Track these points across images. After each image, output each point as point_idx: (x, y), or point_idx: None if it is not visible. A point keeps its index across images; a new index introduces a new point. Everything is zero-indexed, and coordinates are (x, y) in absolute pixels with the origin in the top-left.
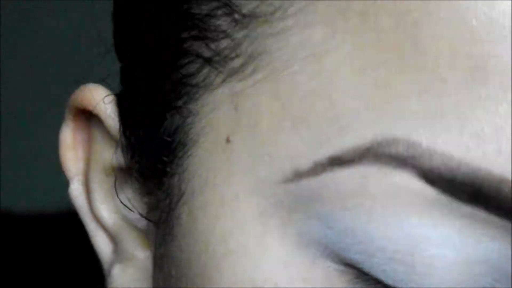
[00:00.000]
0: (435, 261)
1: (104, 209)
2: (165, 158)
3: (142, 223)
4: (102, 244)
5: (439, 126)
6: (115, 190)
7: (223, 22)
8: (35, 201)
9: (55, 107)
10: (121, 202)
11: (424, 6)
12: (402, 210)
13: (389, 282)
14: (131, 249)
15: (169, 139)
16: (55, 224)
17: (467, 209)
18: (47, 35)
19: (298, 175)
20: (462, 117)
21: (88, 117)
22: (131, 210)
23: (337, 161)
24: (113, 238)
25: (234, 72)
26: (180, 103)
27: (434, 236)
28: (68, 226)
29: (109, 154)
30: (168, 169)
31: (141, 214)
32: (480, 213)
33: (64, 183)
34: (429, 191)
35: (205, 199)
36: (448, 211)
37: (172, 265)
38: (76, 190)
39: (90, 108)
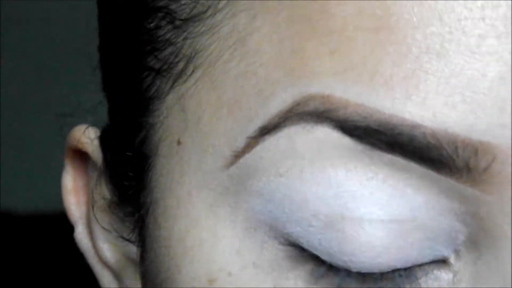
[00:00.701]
0: (364, 222)
1: (106, 249)
2: (130, 174)
3: (135, 254)
4: (108, 283)
5: (350, 80)
6: (94, 216)
7: (167, 31)
8: (35, 201)
9: (55, 107)
10: (102, 226)
11: None
12: (329, 164)
13: (325, 257)
14: (131, 284)
15: (134, 155)
16: (55, 224)
17: (387, 157)
18: (49, 36)
19: (236, 156)
20: (372, 70)
21: (84, 159)
22: (122, 237)
23: (265, 130)
24: (117, 276)
25: (179, 76)
26: (142, 118)
27: (361, 191)
28: (68, 226)
29: (99, 194)
30: (135, 184)
31: (122, 236)
32: (400, 161)
33: None
34: (349, 142)
35: (165, 204)
36: (369, 160)
37: (148, 280)
38: (80, 234)
39: (80, 146)
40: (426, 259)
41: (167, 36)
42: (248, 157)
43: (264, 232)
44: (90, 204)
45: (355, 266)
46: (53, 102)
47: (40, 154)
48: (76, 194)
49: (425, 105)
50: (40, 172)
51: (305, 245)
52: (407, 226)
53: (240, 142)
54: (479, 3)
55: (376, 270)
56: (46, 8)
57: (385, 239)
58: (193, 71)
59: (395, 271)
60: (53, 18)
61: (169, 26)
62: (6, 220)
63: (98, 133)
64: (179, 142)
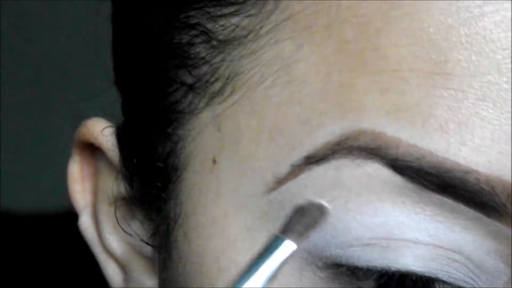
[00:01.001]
0: (409, 243)
1: (113, 240)
2: (158, 184)
3: (149, 251)
4: (113, 274)
5: (403, 120)
6: (116, 219)
7: (202, 49)
8: (35, 201)
9: (55, 107)
10: (122, 229)
11: (385, 16)
12: (376, 198)
13: (362, 264)
14: (139, 277)
15: (161, 165)
16: (55, 224)
17: (436, 197)
18: (50, 36)
19: (279, 182)
20: (426, 113)
21: (93, 150)
22: (132, 236)
23: (312, 159)
24: (123, 268)
25: (215, 95)
26: (170, 129)
27: (408, 222)
28: (68, 226)
29: (114, 186)
30: (163, 195)
31: (142, 240)
32: (450, 202)
33: (64, 183)
34: (399, 180)
35: (198, 220)
36: (418, 199)
37: (172, 285)
38: (85, 222)
39: (93, 141)
40: None
41: (202, 54)
42: (291, 185)
43: (302, 258)
44: (105, 195)
45: (394, 266)
46: (53, 102)
47: (40, 154)
48: (82, 182)
49: (480, 151)
50: (40, 172)
51: (344, 262)
52: (453, 256)
53: (284, 169)
54: None
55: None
56: (51, 6)
57: (428, 257)
58: (231, 92)
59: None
60: (54, 16)
61: (205, 45)
62: (6, 220)
63: (112, 129)
64: (214, 161)
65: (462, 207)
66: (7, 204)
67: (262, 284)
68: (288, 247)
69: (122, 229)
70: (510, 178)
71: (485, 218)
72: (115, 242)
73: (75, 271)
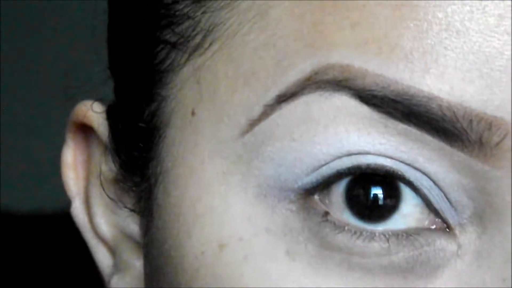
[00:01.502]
0: (377, 168)
1: (104, 223)
2: (141, 145)
3: (137, 233)
4: (103, 259)
5: (371, 52)
6: (102, 187)
7: (185, 6)
8: (35, 201)
9: (55, 107)
10: (108, 196)
11: None
12: (343, 129)
13: (331, 171)
14: (128, 259)
15: (144, 126)
16: (55, 224)
17: (401, 126)
18: (50, 37)
19: (252, 124)
20: (392, 44)
21: (86, 134)
22: (117, 202)
23: (283, 97)
24: (113, 251)
25: (195, 49)
26: (154, 90)
27: (373, 151)
28: (68, 226)
29: (103, 164)
30: (145, 155)
31: (126, 207)
32: (414, 132)
33: (63, 183)
34: (365, 110)
35: (176, 172)
36: (383, 128)
37: (153, 248)
38: (77, 208)
39: (84, 119)
40: (431, 225)
41: (185, 10)
42: (263, 125)
43: (274, 196)
44: (91, 176)
45: (363, 162)
46: (53, 102)
47: (40, 154)
48: (75, 169)
49: (443, 78)
50: (40, 172)
51: (315, 182)
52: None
53: (257, 111)
54: None
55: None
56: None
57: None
58: (210, 44)
59: (398, 235)
60: (55, 19)
61: (188, 1)
62: (6, 220)
63: (104, 108)
64: (193, 113)
65: (426, 136)
66: (7, 204)
67: None
68: None
69: (107, 195)
70: (471, 104)
71: (448, 148)
72: (105, 226)
73: (74, 271)
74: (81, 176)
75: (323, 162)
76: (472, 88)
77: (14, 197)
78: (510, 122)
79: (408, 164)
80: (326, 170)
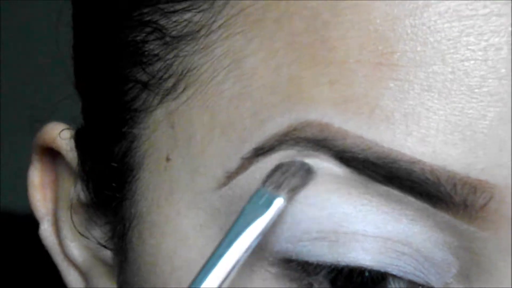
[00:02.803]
0: (357, 236)
1: (74, 247)
2: (114, 184)
3: (109, 257)
4: (74, 283)
5: (350, 111)
6: (72, 222)
7: (155, 46)
8: None
9: (55, 107)
10: (79, 232)
11: (333, 8)
12: (323, 189)
13: (312, 259)
14: (99, 283)
15: (116, 165)
16: None
17: (383, 188)
18: (50, 37)
19: (229, 177)
20: (372, 104)
21: (54, 156)
22: (89, 238)
23: (260, 151)
24: (84, 275)
25: (168, 92)
26: (125, 129)
27: (355, 214)
28: None
29: (72, 190)
30: (118, 195)
31: (100, 243)
32: (396, 193)
33: None
34: (346, 171)
35: (151, 219)
36: (365, 190)
37: None
38: (46, 231)
39: (52, 144)
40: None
41: (156, 51)
42: (241, 178)
43: (253, 254)
44: (59, 199)
45: (343, 260)
46: (53, 102)
47: None
48: (42, 190)
49: (425, 141)
50: None
51: (294, 257)
52: (402, 249)
53: (234, 163)
54: (482, 45)
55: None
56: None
57: (377, 250)
58: (184, 88)
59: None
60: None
61: (158, 42)
62: (6, 220)
63: (72, 133)
64: (168, 159)
65: (409, 198)
66: (7, 204)
67: (254, 237)
68: (278, 203)
69: (79, 232)
70: (454, 168)
71: (431, 209)
72: (76, 249)
73: None
74: (48, 197)
75: (304, 232)
76: (455, 151)
77: (14, 197)
78: (495, 185)
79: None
80: (306, 254)
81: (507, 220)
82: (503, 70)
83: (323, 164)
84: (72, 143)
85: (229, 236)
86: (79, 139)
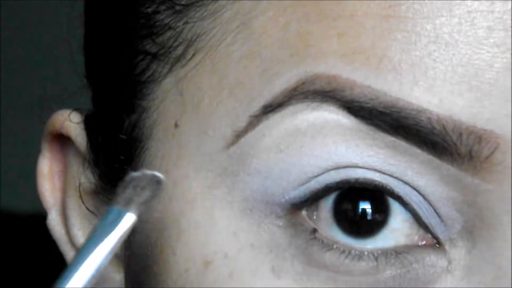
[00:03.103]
0: (365, 183)
1: (82, 236)
2: (122, 157)
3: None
4: None
5: (358, 62)
6: (81, 199)
7: (166, 16)
8: (35, 201)
9: (56, 107)
10: (87, 208)
11: None
12: (331, 141)
13: (319, 185)
14: (107, 272)
15: (125, 138)
16: None
17: (389, 139)
18: (50, 37)
19: (238, 135)
20: (380, 55)
21: (63, 144)
22: (96, 215)
23: (269, 108)
24: None
25: (178, 60)
26: (135, 101)
27: (361, 164)
28: None
29: (81, 176)
30: (126, 167)
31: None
32: (403, 144)
33: None
34: (353, 122)
35: None
36: (371, 141)
37: (135, 263)
38: (53, 220)
39: (61, 129)
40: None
41: (166, 20)
42: (250, 136)
43: (261, 211)
44: (68, 187)
45: (351, 176)
46: (53, 102)
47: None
48: (51, 179)
49: (432, 91)
50: None
51: (303, 198)
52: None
53: (242, 122)
54: None
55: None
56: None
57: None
58: (193, 55)
59: (387, 253)
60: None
61: (169, 11)
62: (6, 220)
63: (82, 118)
64: (176, 125)
65: (415, 149)
66: (7, 204)
67: (104, 257)
68: (129, 219)
69: (87, 208)
70: (461, 117)
71: (437, 161)
72: (83, 238)
73: None
74: (57, 187)
75: (310, 175)
76: (461, 101)
77: (14, 197)
78: (500, 135)
79: (397, 178)
80: (314, 185)
81: (510, 172)
82: (509, 21)
83: (331, 116)
84: (81, 127)
85: (80, 255)
86: (88, 122)
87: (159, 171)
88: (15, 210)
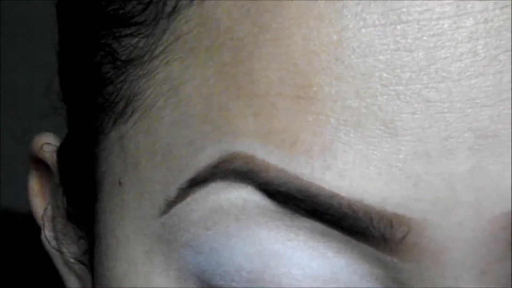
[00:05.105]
0: (283, 280)
1: (69, 253)
2: (82, 204)
3: None
4: (74, 287)
5: (273, 144)
6: (53, 225)
7: (109, 69)
8: None
9: (56, 107)
10: (53, 241)
11: (256, 40)
12: (254, 223)
13: None
14: None
15: (80, 185)
16: None
17: (307, 221)
18: (50, 36)
19: (169, 205)
20: (293, 137)
21: (48, 166)
22: (63, 253)
23: (194, 182)
24: (81, 281)
25: (119, 116)
26: (89, 148)
27: (282, 251)
28: None
29: (56, 201)
30: (83, 215)
31: (75, 259)
32: (320, 226)
33: None
34: (271, 205)
35: (107, 242)
36: (291, 223)
37: None
38: (47, 237)
39: (39, 156)
40: None
41: (109, 74)
42: (179, 207)
43: (194, 283)
44: (54, 209)
45: None
46: (53, 102)
47: None
48: (42, 197)
49: (343, 175)
50: None
51: None
52: (330, 285)
53: (172, 192)
54: (393, 80)
55: None
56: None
57: None
58: (132, 113)
59: None
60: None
61: (111, 65)
62: (6, 219)
63: (57, 145)
64: (120, 183)
65: (332, 230)
66: (7, 204)
67: None
68: None
69: (53, 231)
70: (370, 202)
71: (354, 241)
72: (71, 255)
73: None
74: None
75: (238, 268)
76: (371, 185)
77: (14, 197)
78: (412, 218)
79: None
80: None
81: (427, 253)
82: (415, 105)
83: (250, 196)
84: (55, 156)
85: None
86: (60, 152)
87: (107, 226)
88: (15, 210)
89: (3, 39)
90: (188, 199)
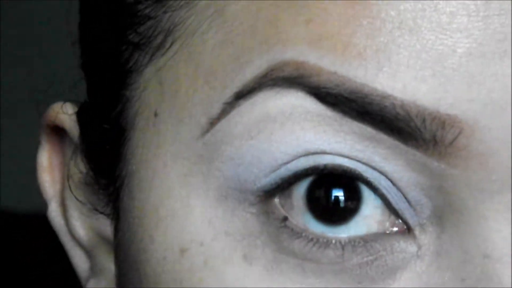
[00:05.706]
0: (334, 169)
1: (79, 226)
2: (108, 147)
3: (111, 235)
4: (80, 262)
5: (325, 49)
6: (70, 190)
7: (146, 6)
8: (35, 201)
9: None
10: (76, 198)
11: None
12: (299, 127)
13: (290, 172)
14: (103, 263)
15: (108, 127)
16: None
17: (356, 124)
18: (50, 36)
19: (212, 123)
20: (346, 41)
21: (61, 137)
22: (82, 202)
23: (240, 95)
24: (89, 254)
25: (157, 49)
26: (119, 91)
27: (329, 150)
28: None
29: (75, 169)
30: (112, 158)
31: (96, 209)
32: (369, 130)
33: None
34: (320, 108)
35: (140, 175)
36: (339, 127)
37: (120, 252)
38: (53, 211)
39: (56, 121)
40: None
41: (147, 10)
42: (223, 123)
43: (235, 199)
44: (66, 178)
45: (320, 163)
46: (53, 101)
47: None
48: (51, 171)
49: (396, 77)
50: None
51: (274, 185)
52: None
53: (216, 109)
54: None
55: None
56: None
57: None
58: (171, 44)
59: (355, 241)
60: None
61: (149, 1)
62: (6, 219)
63: (76, 109)
64: (156, 114)
65: (381, 135)
66: (7, 204)
67: None
68: None
69: (75, 197)
70: (424, 103)
71: (403, 146)
72: (81, 229)
73: (74, 270)
74: (57, 178)
75: (280, 162)
76: (425, 86)
77: (14, 197)
78: (464, 120)
79: (365, 164)
80: (284, 172)
81: (476, 156)
82: (472, 6)
83: (299, 102)
84: (74, 118)
85: None
86: (81, 112)
87: (140, 161)
88: (15, 210)
89: (3, 39)
90: (233, 113)
